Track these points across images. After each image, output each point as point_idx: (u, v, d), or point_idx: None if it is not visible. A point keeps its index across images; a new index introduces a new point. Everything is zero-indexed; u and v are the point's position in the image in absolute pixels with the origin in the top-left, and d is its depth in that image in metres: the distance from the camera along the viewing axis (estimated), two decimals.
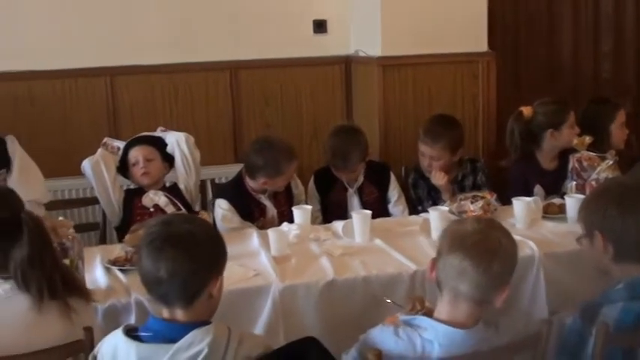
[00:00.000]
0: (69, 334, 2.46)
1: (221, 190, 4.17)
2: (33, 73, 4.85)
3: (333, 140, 4.26)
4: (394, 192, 4.33)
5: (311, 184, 4.35)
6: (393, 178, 4.35)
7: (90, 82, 4.95)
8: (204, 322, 2.11)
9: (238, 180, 4.07)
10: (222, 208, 3.91)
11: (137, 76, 4.99)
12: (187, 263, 2.10)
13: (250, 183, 3.98)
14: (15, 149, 3.68)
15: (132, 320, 2.80)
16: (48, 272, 2.41)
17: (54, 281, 2.42)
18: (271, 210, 3.98)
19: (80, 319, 2.48)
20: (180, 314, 2.13)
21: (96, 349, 2.20)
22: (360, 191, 4.28)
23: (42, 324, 2.40)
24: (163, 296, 2.13)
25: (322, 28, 5.22)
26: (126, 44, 4.92)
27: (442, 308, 2.33)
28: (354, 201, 4.25)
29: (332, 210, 4.21)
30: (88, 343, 2.41)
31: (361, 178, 4.28)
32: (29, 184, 3.61)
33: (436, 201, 4.20)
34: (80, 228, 4.30)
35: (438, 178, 4.17)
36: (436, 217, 3.41)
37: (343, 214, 3.99)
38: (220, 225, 3.86)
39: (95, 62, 4.89)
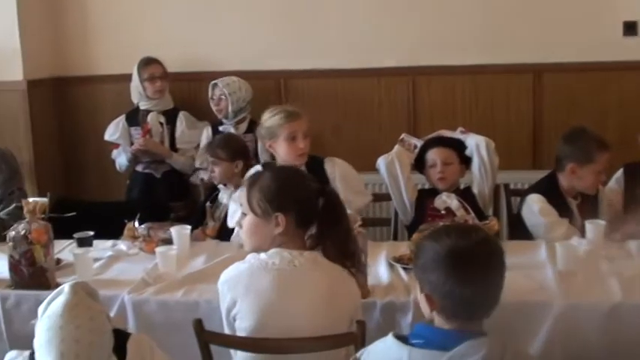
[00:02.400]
0: (353, 315, 2.56)
1: (534, 187, 4.02)
2: (338, 72, 5.09)
3: None
4: None
5: (618, 174, 4.10)
6: None
7: (392, 81, 5.08)
8: (479, 333, 2.05)
9: (551, 178, 3.94)
10: (536, 202, 3.80)
11: (439, 76, 5.04)
12: (480, 285, 2.04)
13: (560, 179, 3.86)
14: (334, 170, 3.81)
15: (408, 319, 2.82)
16: (349, 247, 2.58)
17: (353, 256, 2.59)
18: (578, 219, 3.79)
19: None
20: (455, 324, 2.08)
21: (364, 353, 2.20)
22: None
23: (334, 299, 2.54)
24: (444, 308, 2.08)
25: (632, 30, 4.93)
26: (429, 45, 4.99)
27: None
28: None
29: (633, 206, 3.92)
30: (359, 336, 2.46)
31: None
32: (353, 197, 3.75)
33: None
34: (372, 223, 4.44)
35: None
36: None
37: None
38: (535, 220, 3.77)
39: (399, 62, 5.01)
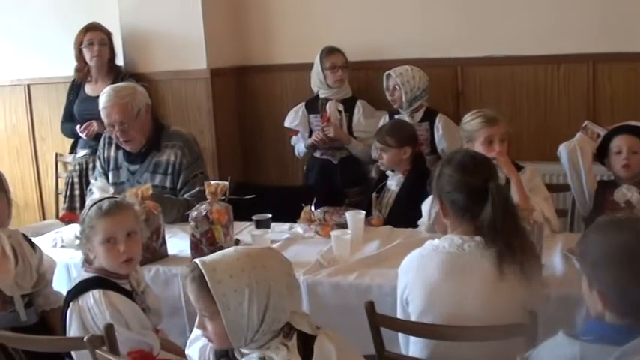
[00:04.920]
0: (525, 303, 2.52)
1: None
2: (516, 59, 5.00)
3: None
4: None
5: None
6: None
7: (572, 68, 4.93)
8: None
9: None
10: None
11: (620, 63, 4.83)
12: None
13: None
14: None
15: (583, 312, 2.73)
16: (507, 237, 2.55)
17: (512, 247, 2.55)
18: None
19: (533, 291, 2.58)
20: (628, 321, 2.00)
21: (532, 353, 2.14)
22: None
23: (502, 285, 2.53)
24: (616, 306, 2.01)
25: None
26: (610, 31, 4.80)
27: None
28: None
29: None
30: (532, 328, 2.42)
31: None
32: None
33: None
34: None
35: None
36: None
37: None
38: None
39: (578, 49, 4.87)
